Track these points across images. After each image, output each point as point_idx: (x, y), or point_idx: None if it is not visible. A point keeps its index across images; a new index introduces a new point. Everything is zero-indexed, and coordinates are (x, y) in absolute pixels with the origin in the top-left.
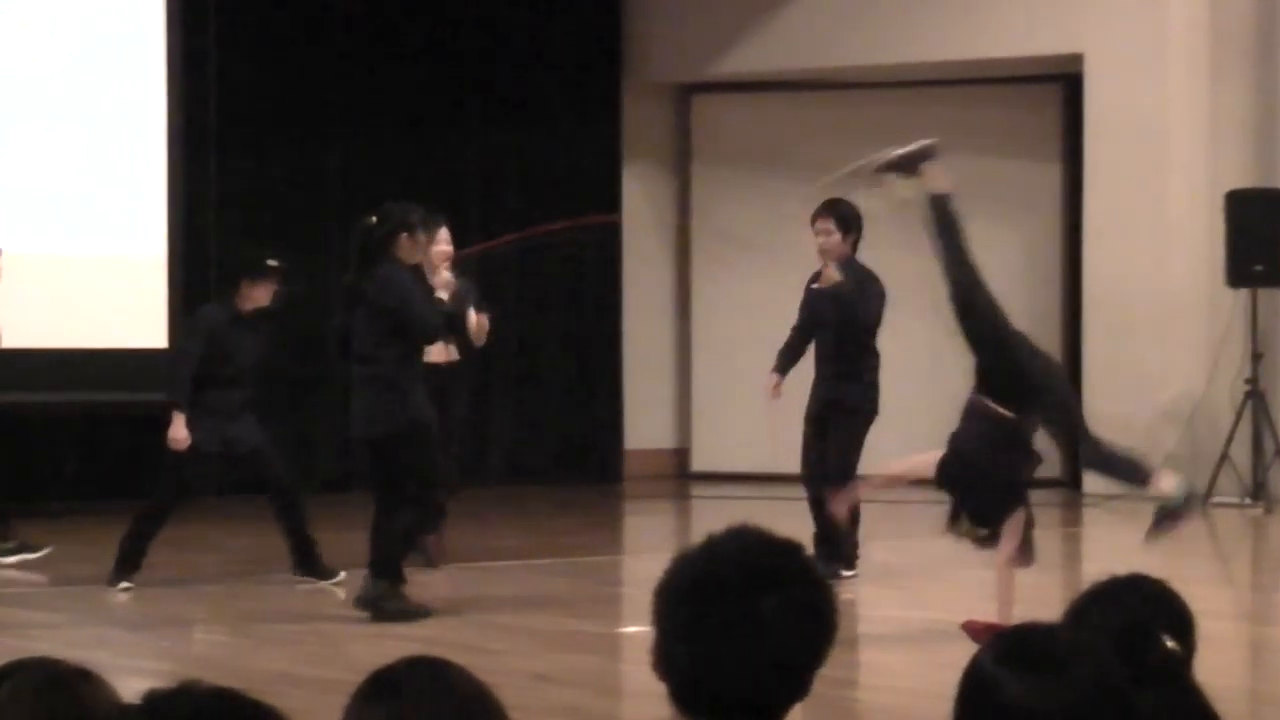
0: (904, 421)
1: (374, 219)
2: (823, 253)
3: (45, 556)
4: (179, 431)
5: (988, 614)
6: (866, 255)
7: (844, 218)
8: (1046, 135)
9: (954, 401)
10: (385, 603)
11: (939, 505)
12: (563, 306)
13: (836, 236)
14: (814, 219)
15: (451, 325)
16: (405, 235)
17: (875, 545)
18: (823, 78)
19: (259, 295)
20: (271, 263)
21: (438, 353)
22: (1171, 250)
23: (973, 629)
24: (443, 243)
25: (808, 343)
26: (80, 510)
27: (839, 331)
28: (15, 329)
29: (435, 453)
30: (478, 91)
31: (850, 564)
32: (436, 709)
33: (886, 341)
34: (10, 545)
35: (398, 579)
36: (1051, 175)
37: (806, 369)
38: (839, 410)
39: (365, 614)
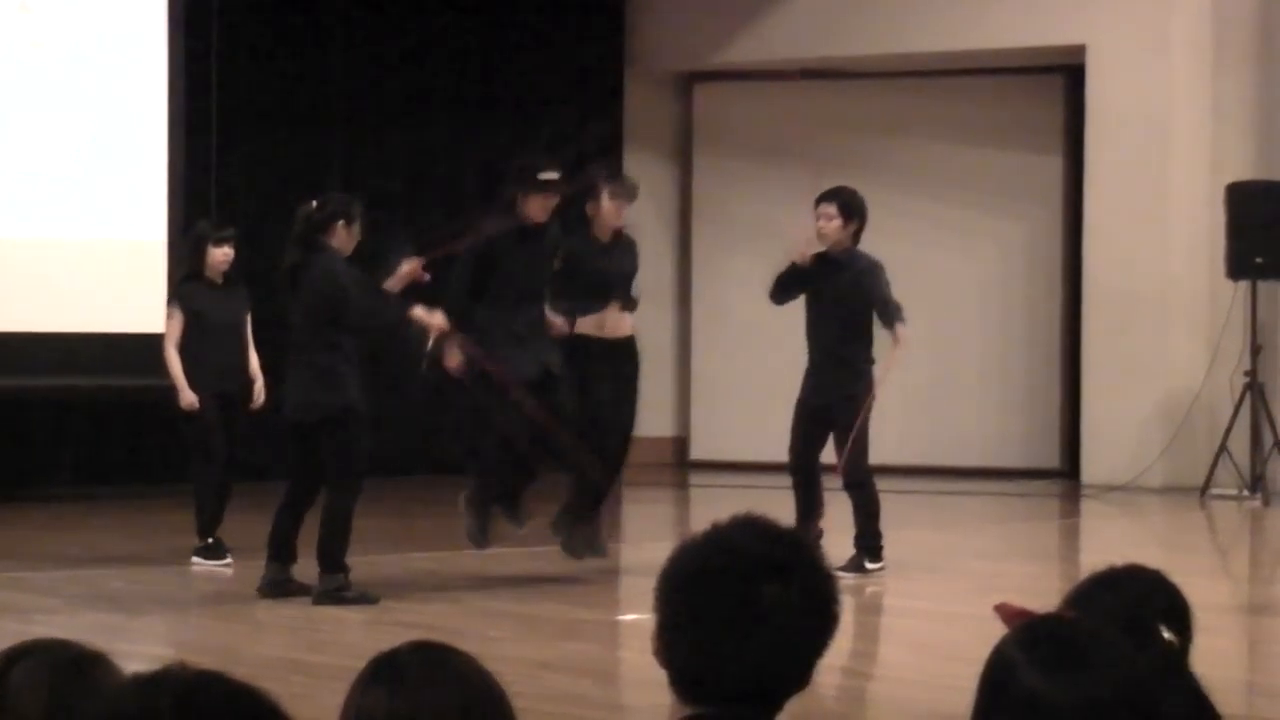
0: (904, 410)
1: (314, 204)
2: (821, 237)
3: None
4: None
5: (1021, 601)
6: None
7: (847, 204)
8: (1048, 127)
9: (952, 389)
10: (343, 593)
11: (934, 496)
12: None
13: (837, 222)
14: (817, 202)
15: (395, 318)
16: (342, 224)
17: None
18: (825, 67)
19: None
20: (549, 175)
21: (612, 326)
22: (1172, 242)
23: (1006, 612)
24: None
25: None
26: (80, 495)
27: (849, 314)
28: (15, 312)
29: (365, 439)
30: (480, 80)
31: (876, 556)
32: (440, 693)
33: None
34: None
35: (345, 569)
36: (1053, 167)
37: (798, 354)
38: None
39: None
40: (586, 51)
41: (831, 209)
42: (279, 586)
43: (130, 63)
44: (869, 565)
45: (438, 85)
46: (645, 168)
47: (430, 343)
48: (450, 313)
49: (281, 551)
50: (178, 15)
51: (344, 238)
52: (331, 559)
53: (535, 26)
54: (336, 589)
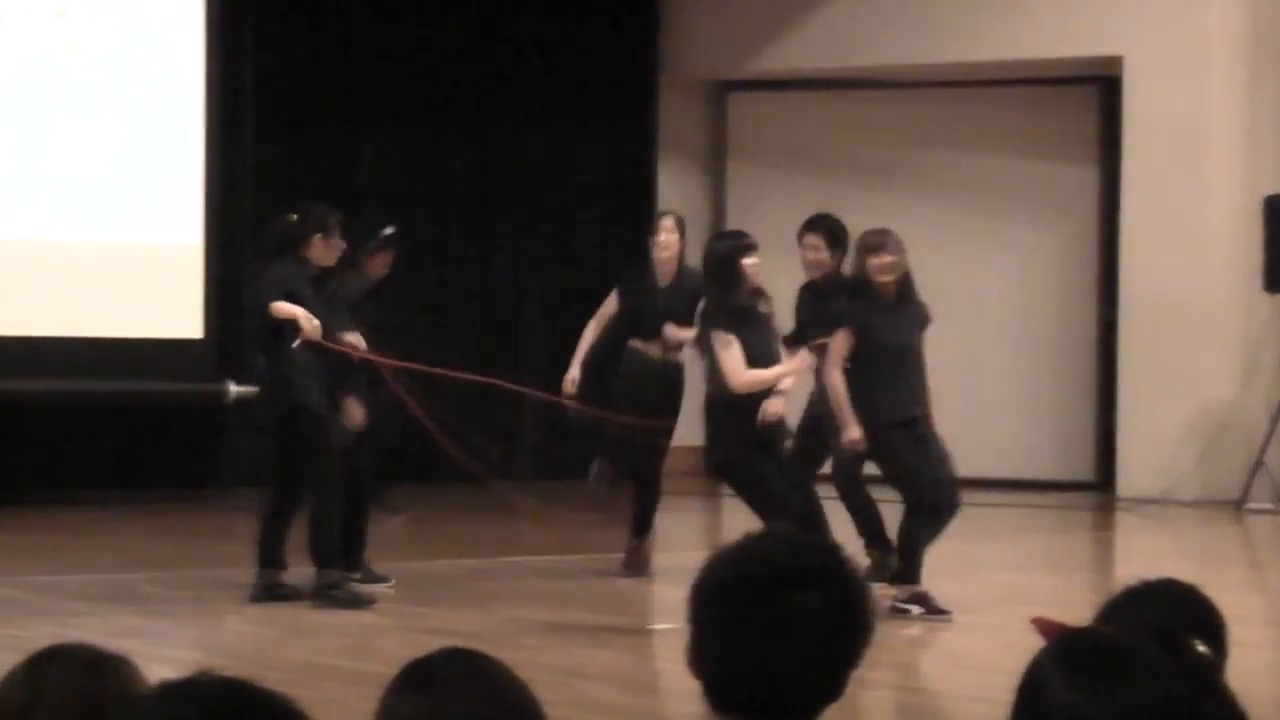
0: None
1: (294, 216)
2: (809, 267)
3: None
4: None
5: (1054, 614)
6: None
7: (833, 233)
8: (1083, 138)
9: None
10: (333, 591)
11: (966, 508)
12: (596, 301)
13: (824, 254)
14: (802, 234)
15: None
16: (319, 236)
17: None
18: (859, 76)
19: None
20: (386, 231)
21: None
22: (1208, 255)
23: (1043, 626)
24: (662, 232)
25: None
26: (112, 500)
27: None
28: (51, 316)
29: (322, 440)
30: (513, 87)
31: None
32: (472, 700)
33: None
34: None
35: (340, 565)
36: (1088, 178)
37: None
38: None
39: (320, 605)
40: (619, 60)
41: (819, 240)
42: (270, 591)
43: (166, 67)
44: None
45: (470, 92)
46: (678, 177)
47: (297, 343)
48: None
49: (269, 557)
50: (214, 20)
51: (321, 250)
52: (321, 556)
53: (568, 34)
54: (327, 585)
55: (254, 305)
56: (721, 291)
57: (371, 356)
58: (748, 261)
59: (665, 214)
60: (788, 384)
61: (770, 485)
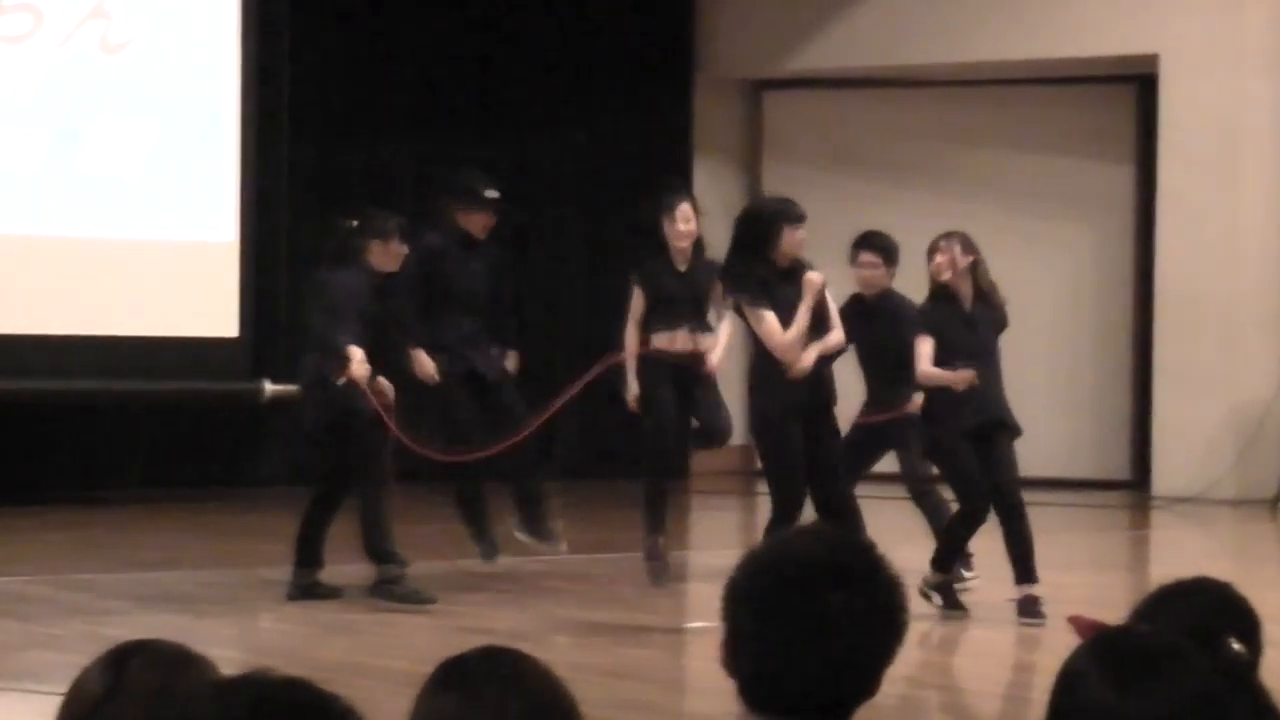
0: None
1: (354, 223)
2: (866, 284)
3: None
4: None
5: (1090, 613)
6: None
7: (887, 249)
8: (1119, 136)
9: None
10: (392, 586)
11: None
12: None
13: (881, 270)
14: (856, 251)
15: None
16: (378, 242)
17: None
18: (894, 75)
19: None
20: (490, 193)
21: (681, 341)
22: (1244, 252)
23: (1079, 624)
24: (680, 221)
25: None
26: (150, 498)
27: (887, 354)
28: (88, 315)
29: (373, 441)
30: (549, 86)
31: (967, 565)
32: (508, 699)
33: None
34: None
35: (397, 560)
36: (1124, 176)
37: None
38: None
39: (383, 601)
40: (654, 58)
41: (877, 258)
42: (306, 590)
43: (202, 66)
44: (966, 574)
45: (507, 92)
46: (714, 176)
47: (341, 381)
48: (397, 332)
49: (306, 556)
50: (251, 20)
51: (381, 255)
52: (375, 553)
53: (603, 34)
54: (386, 581)
55: (325, 339)
56: (746, 258)
57: (390, 417)
58: (792, 236)
59: (681, 198)
60: (833, 341)
61: (790, 465)
